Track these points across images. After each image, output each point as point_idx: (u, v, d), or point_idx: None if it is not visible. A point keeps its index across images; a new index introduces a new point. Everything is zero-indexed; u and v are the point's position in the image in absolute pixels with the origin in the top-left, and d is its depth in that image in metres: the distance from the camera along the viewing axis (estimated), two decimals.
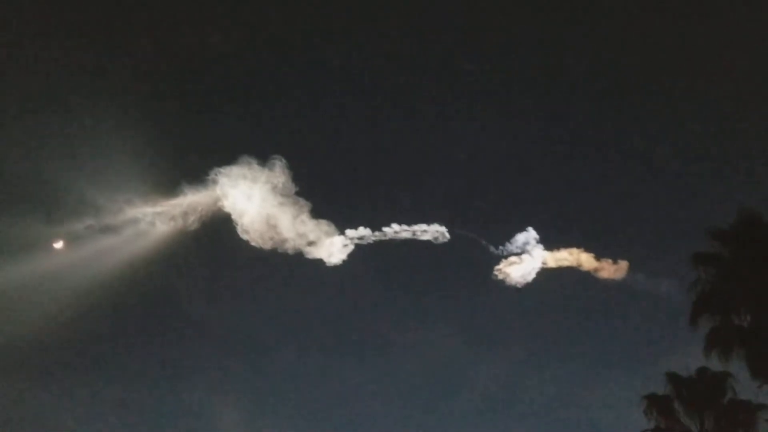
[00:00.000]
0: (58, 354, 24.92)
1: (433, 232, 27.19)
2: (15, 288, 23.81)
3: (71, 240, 24.41)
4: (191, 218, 25.02)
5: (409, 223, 26.80)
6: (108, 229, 24.51)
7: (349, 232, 26.52)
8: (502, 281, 28.21)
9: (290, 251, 25.78)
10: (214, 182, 24.60)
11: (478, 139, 26.47)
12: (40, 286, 24.05)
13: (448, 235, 27.27)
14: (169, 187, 24.47)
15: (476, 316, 29.54)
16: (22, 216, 23.59)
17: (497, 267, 28.33)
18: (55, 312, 24.20)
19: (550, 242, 28.72)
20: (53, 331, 24.34)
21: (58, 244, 24.37)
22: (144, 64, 23.02)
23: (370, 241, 26.82)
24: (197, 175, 24.34)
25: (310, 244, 26.01)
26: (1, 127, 22.27)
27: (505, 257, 28.48)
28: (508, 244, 28.60)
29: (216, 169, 24.49)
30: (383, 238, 26.86)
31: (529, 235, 28.57)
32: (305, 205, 25.61)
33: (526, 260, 28.74)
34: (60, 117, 22.69)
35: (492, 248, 28.47)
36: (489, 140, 26.86)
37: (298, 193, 25.40)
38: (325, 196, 25.45)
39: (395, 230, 26.90)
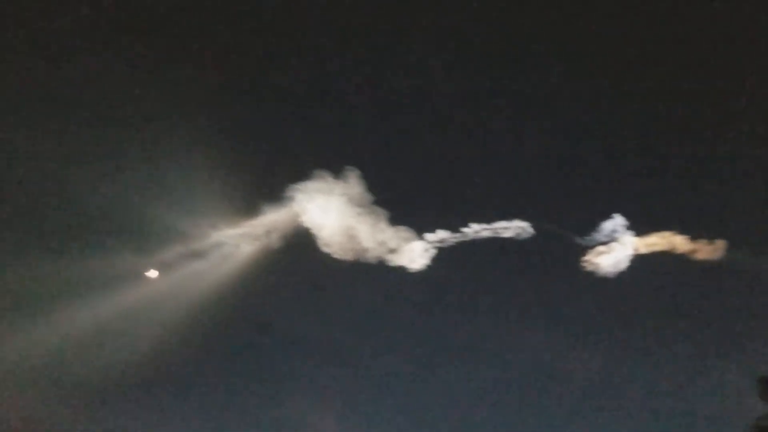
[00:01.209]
0: (157, 380, 25.70)
1: (515, 228, 26.48)
2: (113, 318, 24.95)
3: (162, 268, 25.35)
4: (273, 236, 25.47)
5: (489, 222, 26.22)
6: (196, 255, 25.33)
7: (429, 236, 26.22)
8: (593, 272, 27.20)
9: (372, 260, 25.76)
10: (292, 199, 24.97)
11: (553, 129, 25.53)
12: (137, 314, 25.06)
13: (531, 230, 26.51)
14: (250, 208, 25.05)
15: (568, 311, 28.53)
16: (115, 248, 24.73)
17: (585, 258, 27.30)
18: (153, 338, 25.09)
19: (639, 227, 27.43)
20: (152, 358, 25.19)
21: (151, 273, 25.35)
22: (215, 91, 23.41)
23: (451, 243, 26.41)
24: (275, 193, 24.79)
25: (391, 251, 25.89)
26: (88, 165, 23.10)
27: (593, 247, 27.40)
28: (594, 234, 27.48)
29: (292, 186, 24.86)
30: (464, 239, 26.39)
31: (616, 222, 27.39)
32: (382, 213, 25.57)
33: (615, 248, 27.56)
34: (141, 150, 23.42)
35: (578, 239, 27.43)
36: (565, 129, 25.84)
37: (374, 203, 25.41)
38: (401, 203, 25.27)
39: (475, 230, 26.37)
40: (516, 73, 26.11)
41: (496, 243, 26.14)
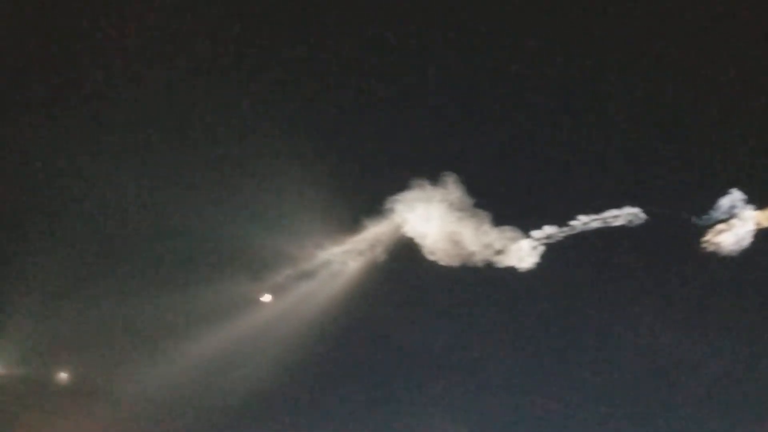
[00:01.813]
0: (282, 401, 26.27)
1: (625, 215, 25.26)
2: (235, 344, 25.86)
3: (275, 292, 25.98)
4: (378, 250, 25.54)
5: (597, 212, 25.15)
6: (305, 276, 25.80)
7: (535, 233, 25.46)
8: (714, 253, 25.52)
9: (480, 264, 25.30)
10: (392, 211, 24.95)
11: (655, 104, 24.23)
12: (257, 338, 25.82)
13: (643, 216, 25.20)
14: (352, 224, 25.25)
15: (691, 297, 26.87)
16: (229, 277, 25.59)
17: (704, 239, 25.67)
18: (274, 361, 25.71)
19: (758, 200, 25.50)
20: (275, 380, 25.82)
21: (265, 298, 26.05)
22: (308, 111, 23.82)
23: (560, 238, 25.53)
24: (375, 207, 24.87)
25: (498, 253, 25.34)
26: (197, 200, 24.04)
27: (712, 226, 25.73)
28: (711, 212, 25.79)
29: (391, 198, 24.85)
30: (572, 232, 25.44)
31: (734, 197, 25.58)
32: (485, 215, 25.07)
33: (735, 225, 25.77)
34: (243, 177, 24.12)
35: (695, 219, 25.82)
36: (667, 104, 24.49)
37: (475, 205, 24.96)
38: (503, 203, 24.65)
39: (583, 222, 25.36)
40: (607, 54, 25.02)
41: (608, 233, 25.04)
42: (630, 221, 24.92)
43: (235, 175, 24.50)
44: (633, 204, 24.67)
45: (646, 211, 24.79)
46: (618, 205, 24.74)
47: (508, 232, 25.11)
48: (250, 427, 26.28)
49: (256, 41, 23.89)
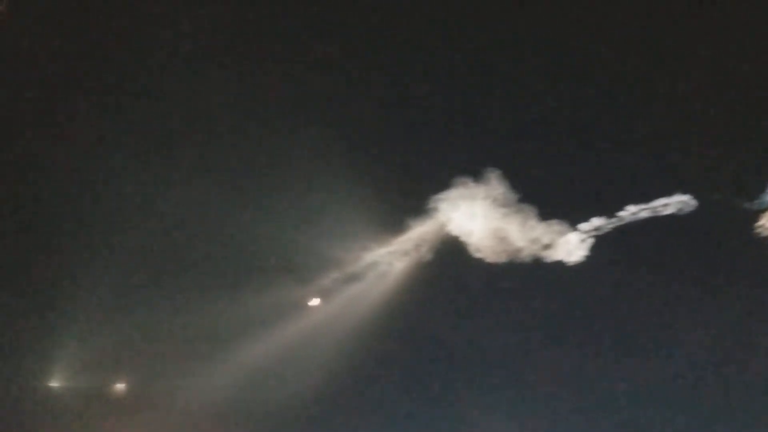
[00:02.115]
0: (336, 405, 26.26)
1: (675, 203, 24.72)
2: (287, 350, 26.03)
3: (323, 295, 26.11)
4: (423, 249, 25.48)
5: (646, 201, 24.66)
6: (352, 278, 25.88)
7: (583, 225, 25.09)
8: None
9: (527, 260, 25.04)
10: (436, 210, 24.88)
11: (708, 91, 23.64)
12: (307, 343, 25.97)
13: (693, 203, 24.61)
14: (396, 224, 25.25)
15: (745, 285, 26.04)
16: (277, 283, 25.80)
17: (758, 223, 24.95)
18: (326, 364, 25.81)
19: None
20: (328, 384, 25.88)
21: (313, 302, 26.19)
22: (347, 112, 23.89)
23: (608, 229, 25.11)
24: (419, 206, 24.83)
25: (546, 247, 25.03)
26: (244, 207, 24.31)
27: (765, 210, 25.00)
28: (764, 196, 25.07)
29: (435, 197, 24.77)
30: (620, 223, 25.00)
31: None
32: (530, 209, 24.81)
33: None
34: (287, 182, 24.32)
35: (747, 204, 25.13)
36: (721, 90, 23.86)
37: (520, 200, 24.72)
38: (548, 196, 24.31)
39: (632, 212, 24.90)
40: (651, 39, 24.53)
41: (658, 222, 24.52)
42: (680, 209, 24.35)
43: (279, 180, 24.71)
44: (683, 191, 24.15)
45: (696, 198, 24.25)
46: (667, 193, 24.23)
47: (555, 225, 24.80)
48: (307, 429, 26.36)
49: (295, 42, 24.01)
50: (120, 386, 27.97)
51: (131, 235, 24.93)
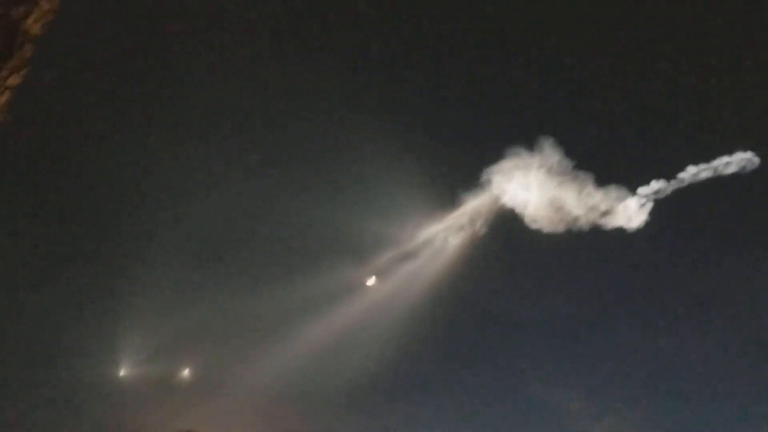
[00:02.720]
0: (399, 381, 26.36)
1: (737, 161, 23.82)
2: (347, 328, 26.19)
3: (380, 275, 26.15)
4: (478, 223, 25.21)
5: (707, 160, 23.84)
6: (408, 256, 25.82)
7: (642, 189, 24.42)
8: None
9: (586, 227, 24.52)
10: (489, 182, 24.54)
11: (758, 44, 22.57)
12: (366, 321, 26.10)
13: (756, 160, 23.69)
14: (450, 200, 25.03)
15: None
16: (335, 264, 25.93)
17: None
18: (387, 341, 25.87)
19: None
20: (389, 360, 25.95)
21: (371, 281, 26.25)
22: (398, 91, 23.73)
23: (668, 192, 24.39)
24: (472, 180, 24.53)
25: (604, 214, 24.46)
26: (304, 192, 24.45)
27: None
28: None
29: (488, 169, 24.43)
30: (681, 185, 24.26)
31: None
32: (586, 176, 24.25)
33: None
34: (342, 164, 24.32)
35: None
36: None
37: (575, 167, 24.17)
38: (605, 161, 23.76)
39: (693, 173, 24.12)
40: None
41: (720, 182, 23.69)
42: (743, 167, 23.46)
43: (333, 163, 24.73)
44: (744, 148, 23.24)
45: (759, 155, 23.32)
46: (729, 151, 23.38)
47: (613, 191, 24.20)
48: (370, 406, 26.54)
49: (348, 38, 23.91)
50: (186, 372, 28.53)
51: (193, 224, 25.30)
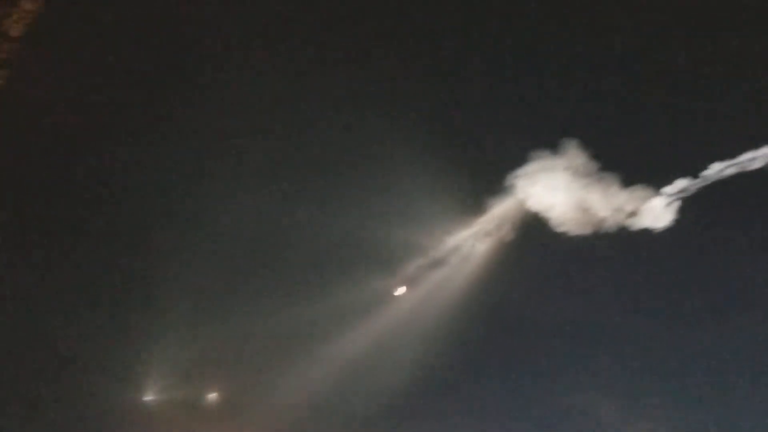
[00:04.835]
0: (429, 394, 25.98)
1: (763, 156, 23.82)
2: (377, 340, 25.93)
3: (409, 284, 26.01)
4: (504, 228, 25.19)
5: (732, 156, 23.86)
6: (437, 264, 25.74)
7: (666, 189, 24.44)
8: None
9: (612, 229, 24.47)
10: (514, 186, 24.61)
11: None
12: (396, 332, 25.84)
13: None
14: (476, 205, 25.08)
15: None
16: (363, 274, 25.83)
17: None
18: (417, 353, 25.61)
19: None
20: (420, 373, 25.63)
21: (400, 291, 26.10)
22: (419, 94, 23.98)
23: (693, 191, 24.38)
24: (497, 185, 24.61)
25: (631, 215, 24.45)
26: (321, 201, 24.50)
27: None
28: None
29: (512, 174, 24.53)
30: (706, 183, 24.24)
31: None
32: (612, 177, 24.32)
33: None
34: (367, 172, 24.42)
35: None
36: None
37: (601, 168, 24.27)
38: (629, 162, 23.77)
39: (718, 169, 24.12)
40: None
41: (746, 178, 23.64)
42: None
43: (360, 173, 24.81)
44: None
45: None
46: (754, 147, 23.38)
47: (639, 191, 24.21)
48: (402, 420, 26.08)
49: (371, 45, 24.23)
50: (213, 395, 28.20)
51: (220, 239, 25.30)
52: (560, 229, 24.52)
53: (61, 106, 22.61)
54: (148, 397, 27.71)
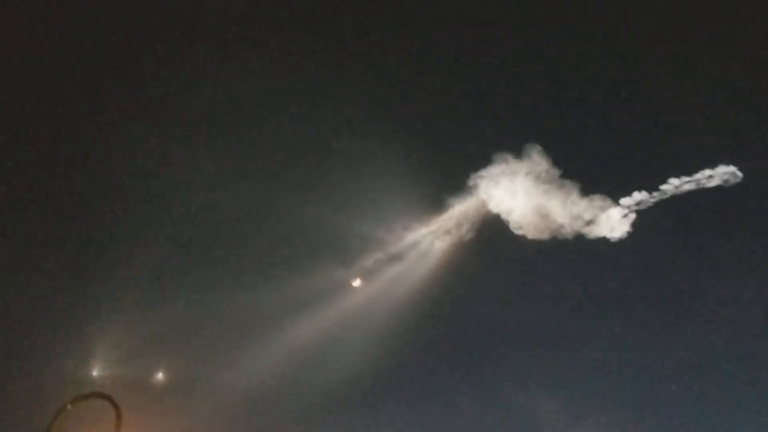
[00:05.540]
0: (379, 385, 26.13)
1: (720, 175, 24.33)
2: (330, 330, 25.95)
3: (365, 276, 26.06)
4: (464, 228, 25.34)
5: (689, 173, 24.31)
6: (394, 258, 25.80)
7: (625, 200, 24.82)
8: None
9: (569, 236, 24.79)
10: (476, 187, 24.75)
11: (750, 59, 23.27)
12: (350, 323, 25.88)
13: (739, 174, 24.22)
14: (437, 204, 25.16)
15: None
16: (320, 265, 25.80)
17: None
18: (369, 344, 25.70)
19: None
20: (371, 363, 25.72)
21: (356, 283, 26.12)
22: (389, 96, 23.87)
23: (650, 204, 24.80)
24: (458, 185, 24.72)
25: (588, 223, 24.78)
26: (289, 190, 24.35)
27: None
28: None
29: (475, 174, 24.64)
30: (664, 197, 24.68)
31: None
32: (572, 185, 24.60)
33: None
34: (329, 165, 24.33)
35: None
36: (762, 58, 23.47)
37: (561, 176, 24.52)
38: (590, 171, 24.15)
39: (675, 185, 24.56)
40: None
41: (702, 194, 24.16)
42: (726, 181, 23.97)
43: (319, 164, 24.74)
44: (728, 162, 23.77)
45: (742, 169, 23.84)
46: (711, 165, 23.87)
47: (597, 201, 24.56)
48: (349, 410, 26.21)
49: (333, 34, 24.08)
50: (161, 374, 27.96)
51: (174, 222, 25.06)
52: (519, 232, 24.75)
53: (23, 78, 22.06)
54: (96, 372, 27.34)
